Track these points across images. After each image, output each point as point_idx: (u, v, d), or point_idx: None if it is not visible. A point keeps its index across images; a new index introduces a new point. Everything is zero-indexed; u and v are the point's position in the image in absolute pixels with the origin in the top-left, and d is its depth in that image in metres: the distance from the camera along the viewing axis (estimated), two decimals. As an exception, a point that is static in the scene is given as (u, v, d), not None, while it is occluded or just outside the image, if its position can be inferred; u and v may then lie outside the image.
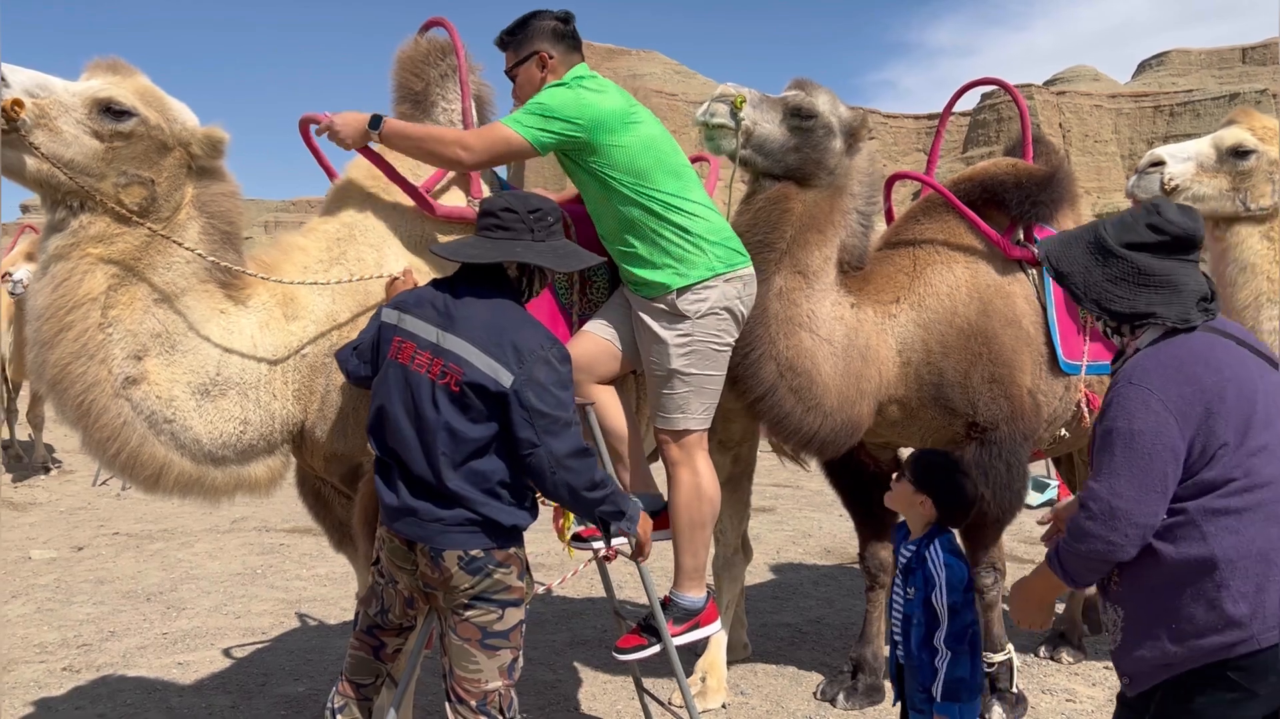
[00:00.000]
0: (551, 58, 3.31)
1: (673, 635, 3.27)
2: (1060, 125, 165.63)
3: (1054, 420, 4.13)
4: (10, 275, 8.74)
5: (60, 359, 2.74)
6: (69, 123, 2.70)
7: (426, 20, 3.64)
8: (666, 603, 3.38)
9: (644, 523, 2.88)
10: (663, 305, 3.25)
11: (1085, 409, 4.13)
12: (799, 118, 3.65)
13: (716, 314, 3.28)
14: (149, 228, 2.83)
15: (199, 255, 2.91)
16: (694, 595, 3.40)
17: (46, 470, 9.97)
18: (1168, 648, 2.10)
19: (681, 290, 3.23)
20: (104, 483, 9.50)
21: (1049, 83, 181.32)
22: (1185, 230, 2.19)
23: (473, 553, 2.54)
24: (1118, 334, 2.30)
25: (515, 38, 3.36)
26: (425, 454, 2.54)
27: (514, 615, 2.62)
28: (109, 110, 2.75)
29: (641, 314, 3.30)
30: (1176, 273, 2.20)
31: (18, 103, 2.59)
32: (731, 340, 3.37)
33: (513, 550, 2.61)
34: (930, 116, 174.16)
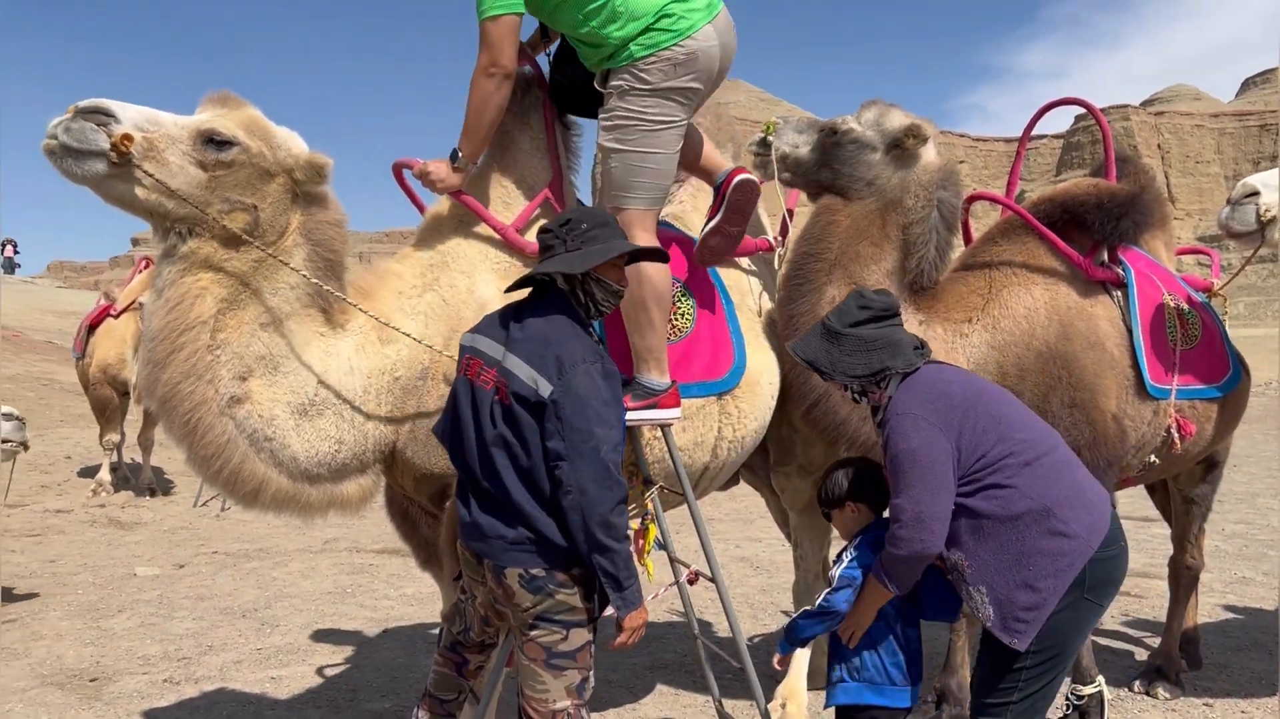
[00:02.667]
0: None
1: (630, 409, 3.11)
2: (1159, 146, 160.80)
3: (1142, 446, 4.01)
4: (145, 306, 9.21)
5: (171, 378, 2.89)
6: (175, 154, 2.86)
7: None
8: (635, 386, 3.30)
9: (638, 615, 2.62)
10: (599, 84, 3.36)
11: (1176, 435, 4.01)
12: (829, 135, 3.83)
13: (638, 93, 3.26)
14: (257, 246, 2.97)
15: (303, 277, 3.04)
16: (654, 377, 3.29)
17: (152, 493, 10.38)
18: (1037, 586, 2.57)
19: (603, 76, 3.33)
20: (204, 504, 9.87)
21: (1146, 103, 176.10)
22: (885, 304, 2.85)
23: (533, 572, 2.55)
24: (865, 395, 2.84)
25: None
26: (488, 468, 2.59)
27: (580, 636, 2.62)
28: (212, 140, 2.91)
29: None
30: (890, 334, 2.80)
31: (127, 137, 2.75)
32: (668, 118, 3.29)
33: (576, 571, 2.58)
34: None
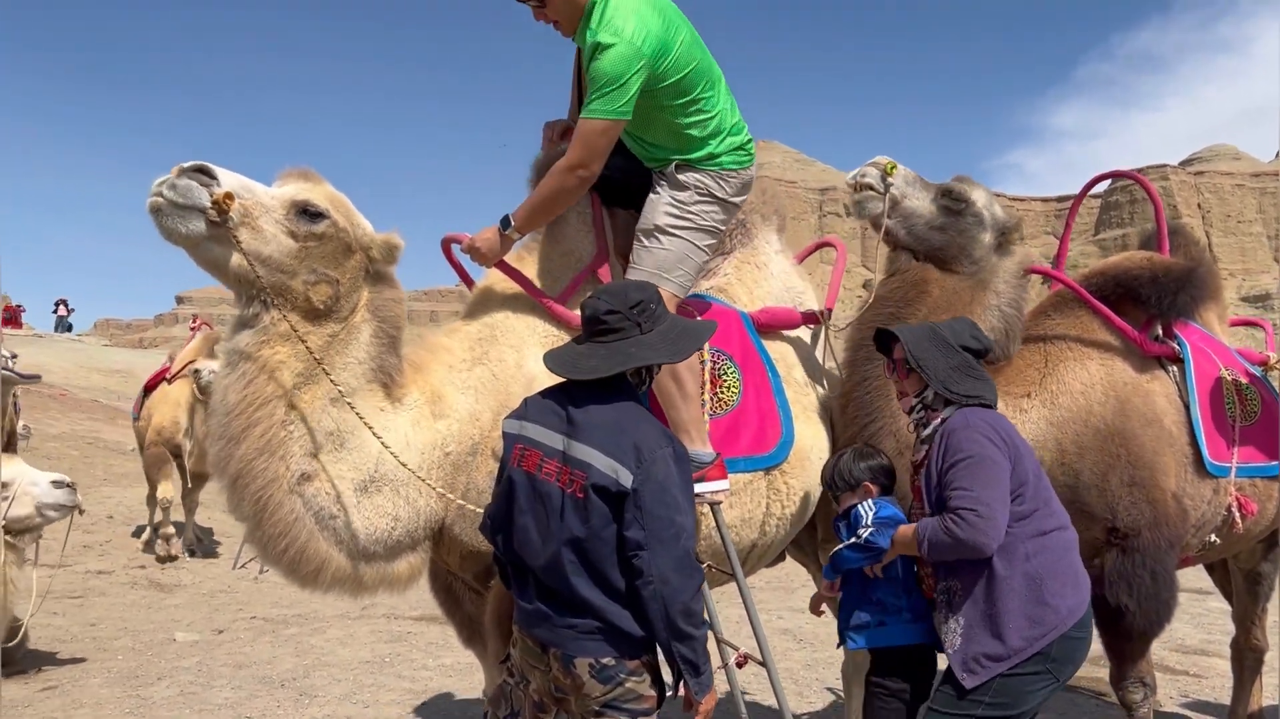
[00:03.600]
0: None
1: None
2: (1199, 206, 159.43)
3: (1202, 526, 3.90)
4: (199, 371, 9.40)
5: (246, 454, 2.87)
6: (269, 222, 2.89)
7: (553, 123, 3.76)
8: None
9: (712, 698, 2.59)
10: (670, 170, 3.42)
11: (1237, 513, 3.90)
12: (950, 200, 3.78)
13: (709, 197, 3.42)
14: (340, 319, 3.01)
15: (369, 353, 3.07)
16: (698, 448, 3.21)
17: (192, 553, 10.41)
18: (1009, 643, 2.77)
19: (682, 165, 3.39)
20: (243, 566, 9.89)
21: (1185, 162, 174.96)
22: (988, 344, 3.16)
23: (604, 661, 2.51)
24: (926, 409, 3.03)
25: None
26: (554, 563, 2.53)
27: None
28: (305, 212, 2.95)
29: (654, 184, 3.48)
30: (983, 370, 3.09)
31: (229, 195, 2.78)
32: (719, 226, 3.51)
33: (645, 658, 2.56)
34: (1059, 199, 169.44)
